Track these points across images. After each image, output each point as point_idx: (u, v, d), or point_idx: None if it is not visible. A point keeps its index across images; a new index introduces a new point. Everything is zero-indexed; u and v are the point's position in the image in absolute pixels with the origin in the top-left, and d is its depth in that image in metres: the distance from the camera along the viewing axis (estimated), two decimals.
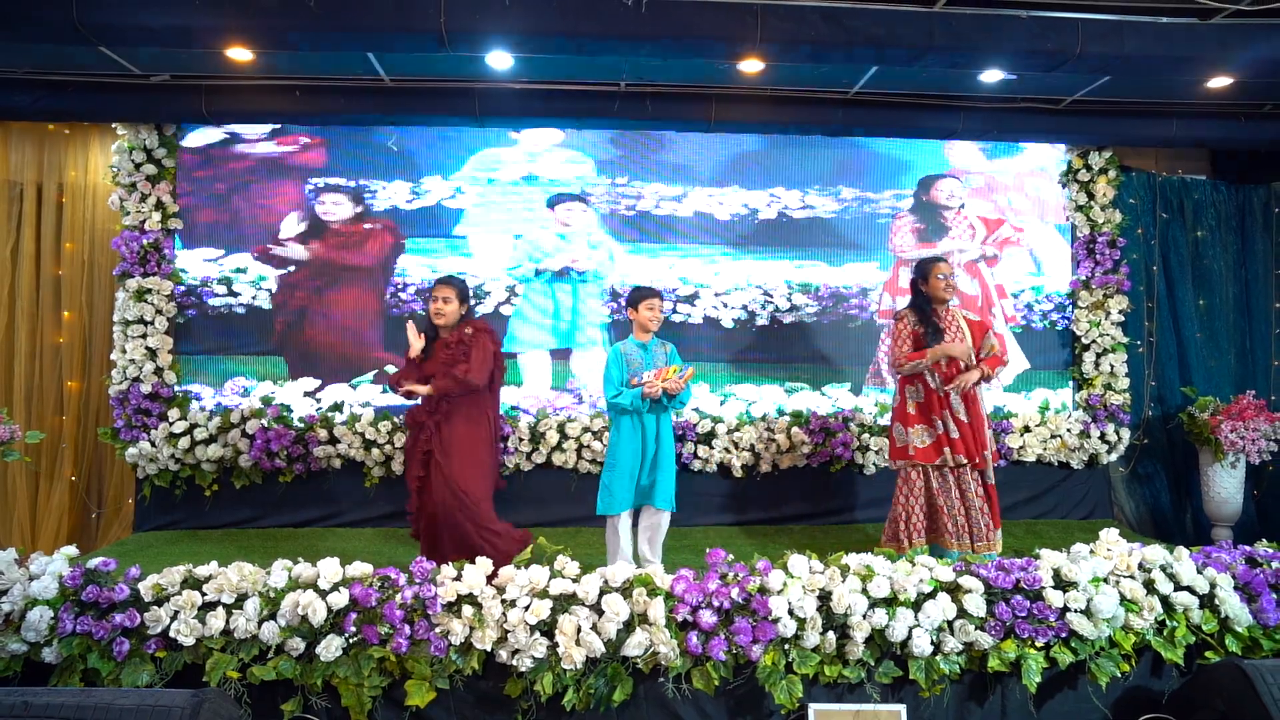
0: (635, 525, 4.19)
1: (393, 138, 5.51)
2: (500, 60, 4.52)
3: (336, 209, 5.50)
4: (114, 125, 5.34)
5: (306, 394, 5.44)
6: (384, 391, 5.46)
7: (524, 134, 5.62)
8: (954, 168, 5.87)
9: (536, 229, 5.62)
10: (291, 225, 5.46)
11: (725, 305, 5.67)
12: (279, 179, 5.49)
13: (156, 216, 5.27)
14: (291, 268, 5.47)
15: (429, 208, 5.56)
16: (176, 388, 5.32)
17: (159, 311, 5.27)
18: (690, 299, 5.65)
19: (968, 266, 5.82)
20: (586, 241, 5.63)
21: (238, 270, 5.43)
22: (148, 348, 5.24)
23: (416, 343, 4.03)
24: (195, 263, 5.41)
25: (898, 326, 4.33)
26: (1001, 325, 5.75)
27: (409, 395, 4.07)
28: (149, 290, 5.25)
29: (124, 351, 5.22)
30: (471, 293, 4.83)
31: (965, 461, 4.20)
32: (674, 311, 5.61)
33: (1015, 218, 5.89)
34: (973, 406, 4.24)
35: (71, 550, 3.10)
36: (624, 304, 4.56)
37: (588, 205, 5.65)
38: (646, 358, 4.10)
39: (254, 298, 5.43)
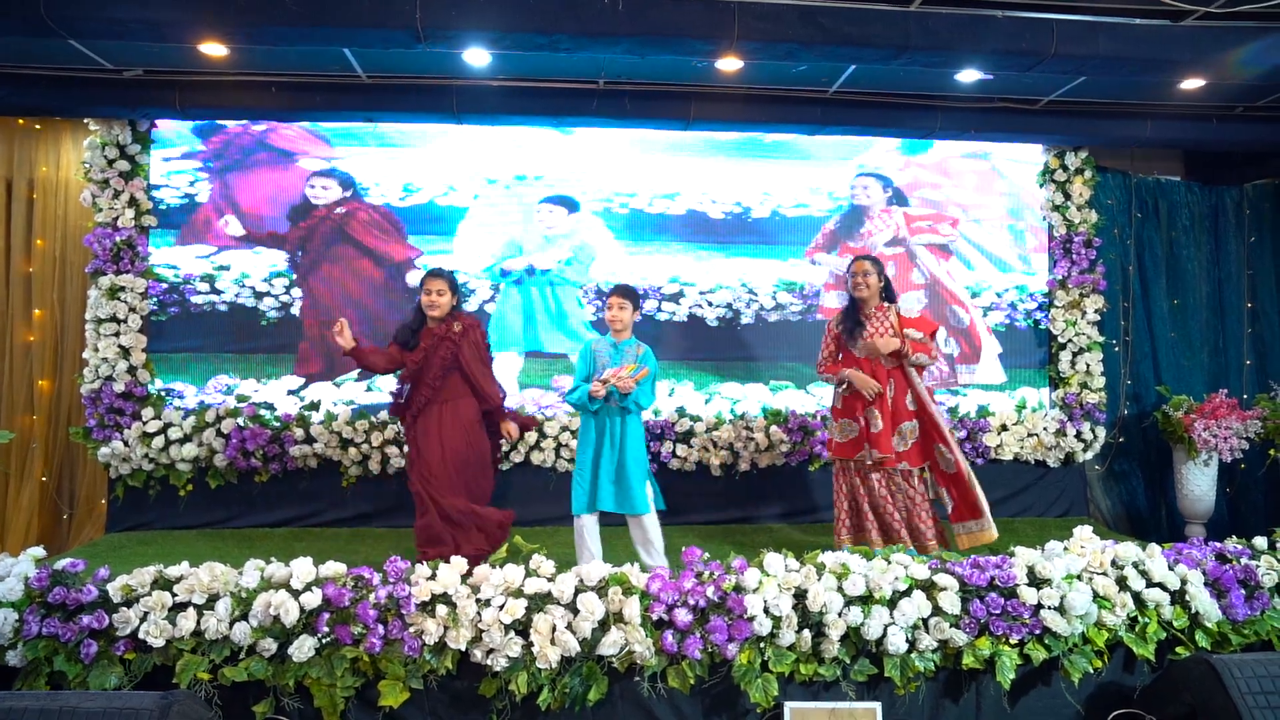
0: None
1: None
2: (477, 57, 4.50)
3: (325, 193, 5.49)
4: (86, 121, 5.26)
5: (290, 392, 5.39)
6: (368, 390, 5.43)
7: (515, 130, 5.55)
8: (876, 166, 5.85)
9: (521, 229, 5.60)
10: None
11: (709, 304, 5.66)
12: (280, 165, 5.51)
13: (130, 213, 5.21)
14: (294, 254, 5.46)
15: (421, 205, 5.54)
16: (153, 386, 5.26)
17: (132, 309, 5.20)
18: (675, 298, 5.65)
19: (898, 259, 5.79)
20: (569, 245, 5.61)
21: (220, 268, 5.38)
22: (121, 346, 5.16)
23: (346, 342, 4.03)
24: (185, 259, 5.36)
25: (827, 328, 4.45)
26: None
27: (512, 429, 4.26)
28: (122, 288, 5.17)
29: (96, 350, 5.14)
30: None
31: (880, 457, 4.19)
32: (659, 310, 5.61)
33: (956, 211, 5.87)
34: (880, 404, 4.22)
35: (38, 551, 3.06)
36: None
37: (577, 205, 5.62)
38: (615, 356, 4.04)
39: (237, 295, 5.38)
